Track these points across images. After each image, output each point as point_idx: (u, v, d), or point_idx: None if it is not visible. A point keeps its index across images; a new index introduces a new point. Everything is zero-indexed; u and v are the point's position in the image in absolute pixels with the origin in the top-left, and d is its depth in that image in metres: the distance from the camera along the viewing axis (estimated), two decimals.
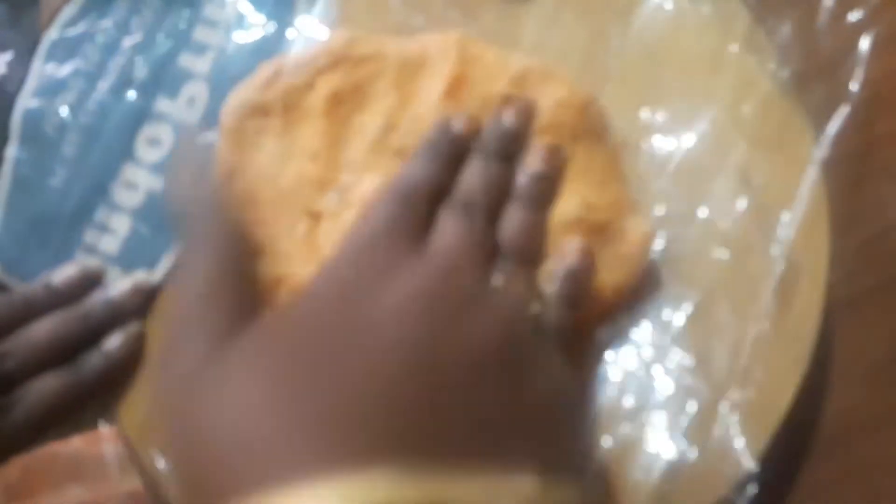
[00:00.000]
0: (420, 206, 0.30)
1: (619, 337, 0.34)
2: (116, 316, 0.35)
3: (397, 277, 0.27)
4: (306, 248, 0.34)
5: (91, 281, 0.36)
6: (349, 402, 0.24)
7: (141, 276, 0.36)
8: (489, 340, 0.26)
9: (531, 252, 0.31)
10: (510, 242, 0.30)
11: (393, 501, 0.22)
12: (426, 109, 0.35)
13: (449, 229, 0.29)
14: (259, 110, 0.36)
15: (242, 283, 0.29)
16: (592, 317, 0.34)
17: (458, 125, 0.32)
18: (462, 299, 0.27)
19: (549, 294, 0.30)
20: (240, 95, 0.36)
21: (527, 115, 0.33)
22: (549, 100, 0.35)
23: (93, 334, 0.35)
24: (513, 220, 0.31)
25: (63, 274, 0.35)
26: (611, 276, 0.33)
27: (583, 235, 0.33)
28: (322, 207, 0.35)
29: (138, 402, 0.35)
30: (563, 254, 0.31)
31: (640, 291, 0.34)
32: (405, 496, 0.22)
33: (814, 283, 0.34)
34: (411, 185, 0.31)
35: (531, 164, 0.32)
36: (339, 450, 0.23)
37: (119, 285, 0.35)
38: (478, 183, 0.31)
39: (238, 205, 0.33)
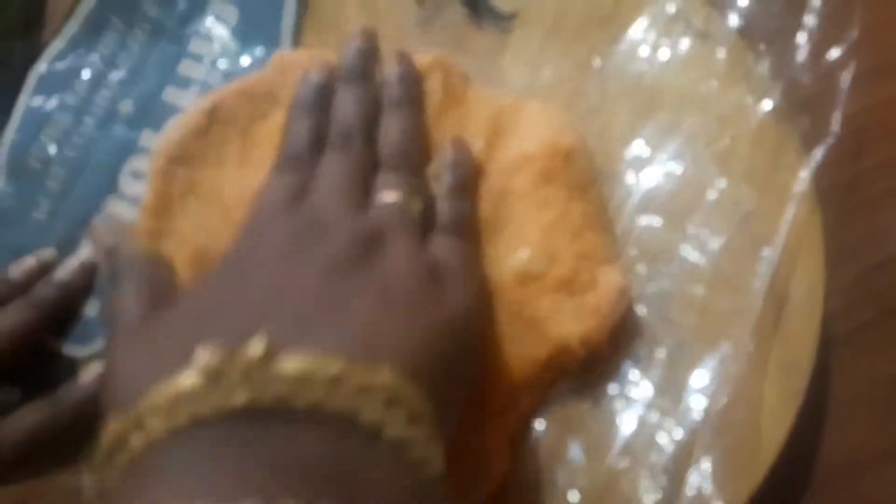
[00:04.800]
0: (303, 165, 0.31)
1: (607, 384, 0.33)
2: (69, 297, 0.35)
3: (272, 235, 0.29)
4: None
5: (48, 268, 0.36)
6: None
7: (85, 253, 0.36)
8: (338, 253, 0.28)
9: (408, 154, 0.32)
10: (386, 150, 0.32)
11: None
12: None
13: (324, 171, 0.31)
14: (190, 159, 0.35)
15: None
16: (558, 370, 0.33)
17: (315, 75, 0.34)
18: (319, 231, 0.28)
19: (440, 191, 0.32)
20: (173, 135, 0.35)
21: (371, 34, 0.35)
22: (531, 142, 0.34)
23: (51, 321, 0.35)
24: (387, 129, 0.32)
25: (21, 266, 0.36)
26: (577, 327, 0.32)
27: (543, 288, 0.33)
28: None
29: None
30: (441, 152, 0.33)
31: (620, 344, 0.33)
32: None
33: (809, 316, 0.34)
34: (291, 150, 0.32)
35: (386, 70, 0.34)
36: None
37: (66, 266, 0.36)
38: (348, 106, 0.32)
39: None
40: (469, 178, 0.33)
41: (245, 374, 0.23)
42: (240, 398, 0.23)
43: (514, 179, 0.34)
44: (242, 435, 0.23)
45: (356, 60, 0.34)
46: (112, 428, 0.24)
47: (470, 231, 0.32)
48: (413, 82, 0.34)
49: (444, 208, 0.32)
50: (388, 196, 0.30)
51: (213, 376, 0.23)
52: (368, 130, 0.32)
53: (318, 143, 0.32)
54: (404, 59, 0.34)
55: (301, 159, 0.32)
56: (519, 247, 0.33)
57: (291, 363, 0.23)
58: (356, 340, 0.25)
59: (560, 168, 0.34)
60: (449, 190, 0.32)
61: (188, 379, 0.23)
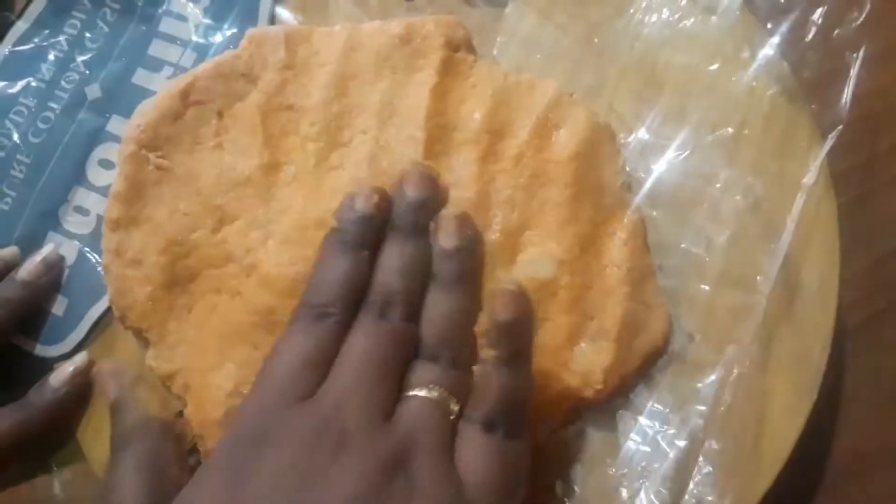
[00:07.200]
0: (330, 320, 0.27)
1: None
2: (34, 294, 0.34)
3: (279, 441, 0.26)
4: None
5: (10, 267, 0.35)
6: None
7: (48, 250, 0.35)
8: (357, 487, 0.25)
9: (452, 342, 0.28)
10: (429, 333, 0.28)
11: None
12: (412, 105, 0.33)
13: (353, 344, 0.27)
14: (163, 143, 0.33)
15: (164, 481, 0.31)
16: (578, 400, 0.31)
17: (361, 203, 0.29)
18: (336, 446, 0.25)
19: (491, 359, 0.27)
20: (145, 119, 0.33)
21: (431, 181, 0.30)
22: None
23: (17, 320, 0.34)
24: (433, 306, 0.28)
25: None
26: (599, 359, 0.31)
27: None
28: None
29: (102, 437, 0.33)
30: (493, 307, 0.28)
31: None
32: None
33: (823, 306, 0.32)
34: (319, 296, 0.28)
35: (441, 240, 0.29)
36: None
37: (29, 264, 0.34)
38: (394, 266, 0.28)
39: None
40: (528, 341, 0.28)
41: None
42: None
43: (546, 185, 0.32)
44: None
45: (411, 213, 0.29)
46: None
47: (523, 418, 0.28)
48: (472, 256, 0.29)
49: (491, 385, 0.27)
50: (422, 392, 0.27)
51: None
52: (412, 301, 0.28)
53: (354, 292, 0.28)
54: (466, 227, 0.29)
55: (330, 309, 0.28)
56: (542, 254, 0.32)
57: None
58: None
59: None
60: (501, 360, 0.27)
61: None
